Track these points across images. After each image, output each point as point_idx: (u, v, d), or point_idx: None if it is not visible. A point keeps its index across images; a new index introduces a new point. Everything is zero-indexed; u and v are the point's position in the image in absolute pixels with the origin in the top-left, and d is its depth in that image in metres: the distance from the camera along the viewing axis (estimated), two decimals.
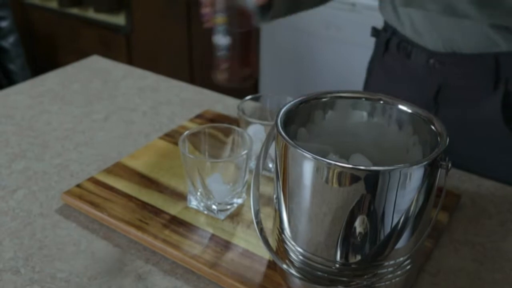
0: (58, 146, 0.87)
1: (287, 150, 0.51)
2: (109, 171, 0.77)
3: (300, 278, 0.56)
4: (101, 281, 0.61)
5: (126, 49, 2.39)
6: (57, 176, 0.80)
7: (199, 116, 0.95)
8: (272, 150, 0.58)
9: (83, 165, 0.82)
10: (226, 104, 1.02)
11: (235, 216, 0.69)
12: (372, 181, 0.48)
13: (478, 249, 0.68)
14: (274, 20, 0.84)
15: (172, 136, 0.87)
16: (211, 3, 0.76)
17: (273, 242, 0.60)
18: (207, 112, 0.96)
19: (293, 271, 0.56)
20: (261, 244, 0.57)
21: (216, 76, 0.79)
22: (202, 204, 0.69)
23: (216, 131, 0.72)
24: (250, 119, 0.75)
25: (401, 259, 0.54)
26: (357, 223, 0.51)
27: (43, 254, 0.65)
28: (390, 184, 0.48)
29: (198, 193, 0.69)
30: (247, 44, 0.78)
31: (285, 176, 0.53)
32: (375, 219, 0.50)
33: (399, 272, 0.55)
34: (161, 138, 0.87)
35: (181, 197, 0.73)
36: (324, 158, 0.48)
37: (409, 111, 0.58)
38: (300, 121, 0.59)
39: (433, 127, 0.55)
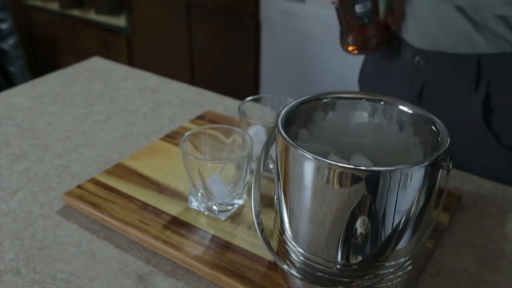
0: (58, 147, 0.87)
1: (288, 151, 0.51)
2: (109, 172, 0.77)
3: (301, 279, 0.56)
4: (102, 282, 0.61)
5: (127, 50, 2.39)
6: (57, 177, 0.80)
7: (199, 117, 0.95)
8: (273, 151, 0.58)
9: (83, 166, 0.82)
10: (226, 105, 1.02)
11: (236, 217, 0.69)
12: (373, 181, 0.48)
13: (479, 250, 0.67)
14: None
15: (172, 137, 0.87)
16: None
17: (274, 243, 0.60)
18: (208, 113, 0.96)
19: (294, 272, 0.56)
20: (262, 244, 0.57)
21: (357, 45, 0.83)
22: (203, 205, 0.69)
23: (217, 132, 0.72)
24: (250, 120, 0.75)
25: (402, 259, 0.54)
26: (358, 224, 0.50)
27: (43, 255, 0.65)
28: (391, 185, 0.48)
29: (199, 194, 0.69)
30: (378, 8, 0.84)
31: (286, 177, 0.53)
32: (376, 219, 0.50)
33: (400, 273, 0.55)
34: (161, 139, 0.87)
35: (182, 198, 0.73)
36: (325, 158, 0.48)
37: (410, 111, 0.58)
38: (301, 122, 0.59)
39: (434, 128, 0.55)
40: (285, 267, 0.57)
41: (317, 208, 0.51)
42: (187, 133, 0.69)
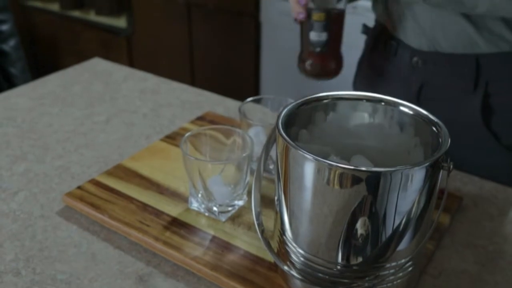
0: (59, 148, 0.87)
1: (288, 152, 0.51)
2: (110, 173, 0.77)
3: (301, 280, 0.56)
4: (102, 283, 0.61)
5: (127, 51, 2.39)
6: (58, 178, 0.79)
7: (200, 118, 0.95)
8: (273, 152, 0.58)
9: (84, 167, 0.82)
10: (226, 106, 1.02)
11: (236, 218, 0.69)
12: (374, 182, 0.48)
13: (480, 251, 0.67)
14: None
15: (173, 138, 0.87)
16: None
17: (274, 244, 0.60)
18: (208, 114, 0.96)
19: (294, 273, 0.56)
20: (262, 245, 0.57)
21: (306, 69, 0.81)
22: (203, 205, 0.69)
23: (217, 132, 0.72)
24: (251, 121, 0.75)
25: (403, 261, 0.54)
26: (358, 225, 0.50)
27: (43, 256, 0.65)
28: (391, 186, 0.48)
29: (199, 195, 0.69)
30: (338, 39, 0.81)
31: (286, 178, 0.53)
32: (376, 220, 0.50)
33: (400, 274, 0.55)
34: (162, 140, 0.87)
35: (182, 198, 0.72)
36: (325, 159, 0.48)
37: (411, 112, 0.58)
38: (301, 123, 0.59)
39: (434, 129, 0.54)
40: (286, 268, 0.57)
41: (317, 209, 0.51)
42: (187, 134, 0.69)
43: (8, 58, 1.75)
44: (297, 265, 0.56)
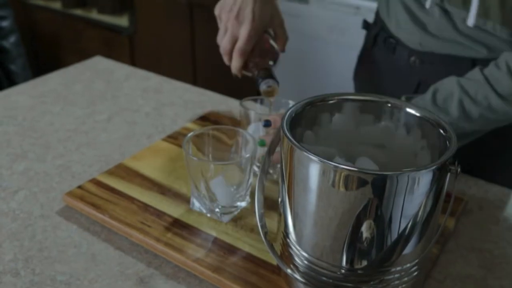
0: (60, 147, 0.86)
1: (293, 153, 0.51)
2: (111, 172, 0.77)
3: (304, 283, 0.55)
4: (102, 284, 0.60)
5: (129, 50, 2.38)
6: (58, 177, 0.79)
7: (202, 118, 0.94)
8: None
9: (85, 166, 0.81)
10: (229, 106, 1.01)
11: (238, 219, 0.69)
12: (380, 185, 0.47)
13: (485, 255, 0.67)
14: None
15: (175, 138, 0.87)
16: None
17: (277, 246, 0.59)
18: (210, 114, 0.95)
19: (297, 276, 0.55)
20: (265, 248, 0.56)
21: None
22: (205, 207, 0.68)
23: (220, 133, 0.71)
24: (251, 113, 0.75)
25: (408, 265, 0.53)
26: (363, 228, 0.50)
27: (43, 256, 0.64)
28: (398, 189, 0.47)
29: (202, 196, 0.68)
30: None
31: (290, 179, 0.52)
32: (382, 224, 0.49)
33: (405, 279, 0.54)
34: (163, 139, 0.86)
35: (184, 199, 0.72)
36: (331, 161, 0.47)
37: (417, 114, 0.57)
38: (306, 124, 0.58)
39: (441, 131, 0.54)
40: (289, 271, 0.56)
41: (322, 211, 0.51)
42: (190, 134, 0.68)
43: (8, 55, 1.74)
44: (301, 268, 0.55)
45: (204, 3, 2.09)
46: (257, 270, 0.60)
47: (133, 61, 2.38)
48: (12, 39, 1.74)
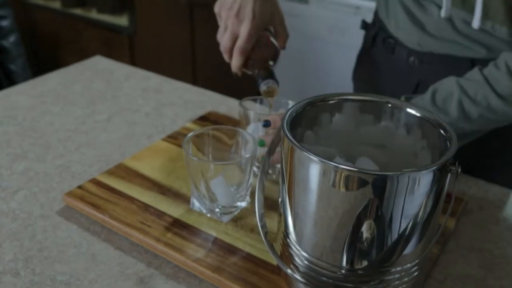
0: (60, 147, 0.86)
1: (294, 153, 0.50)
2: (111, 172, 0.77)
3: (305, 284, 0.55)
4: (102, 284, 0.60)
5: (129, 50, 2.38)
6: (58, 177, 0.79)
7: (202, 118, 0.94)
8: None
9: (85, 166, 0.81)
10: (229, 106, 1.01)
11: (238, 219, 0.68)
12: (380, 185, 0.47)
13: (485, 255, 0.67)
14: None
15: (175, 138, 0.86)
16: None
17: (277, 247, 0.59)
18: (210, 114, 0.95)
19: (297, 276, 0.55)
20: (265, 248, 0.56)
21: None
22: (205, 207, 0.68)
23: (220, 133, 0.71)
24: (250, 113, 0.75)
25: (409, 265, 0.53)
26: (364, 228, 0.49)
27: (43, 256, 0.64)
28: (398, 189, 0.47)
29: (201, 196, 0.68)
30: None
31: (290, 179, 0.52)
32: (382, 224, 0.49)
33: (406, 279, 0.54)
34: (163, 139, 0.86)
35: (184, 199, 0.72)
36: (331, 161, 0.47)
37: (418, 114, 0.57)
38: (307, 124, 0.58)
39: (442, 132, 0.54)
40: (289, 271, 0.56)
41: (322, 211, 0.50)
42: (190, 134, 0.68)
43: (8, 55, 1.74)
44: (301, 269, 0.55)
45: (204, 3, 2.08)
46: (257, 270, 0.60)
47: (133, 61, 2.38)
48: (12, 38, 1.74)
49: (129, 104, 1.01)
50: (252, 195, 0.69)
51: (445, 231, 0.68)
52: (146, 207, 0.70)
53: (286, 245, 0.56)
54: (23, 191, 0.75)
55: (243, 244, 0.64)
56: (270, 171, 0.77)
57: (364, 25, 1.01)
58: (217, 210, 0.68)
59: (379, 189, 0.47)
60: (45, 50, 2.73)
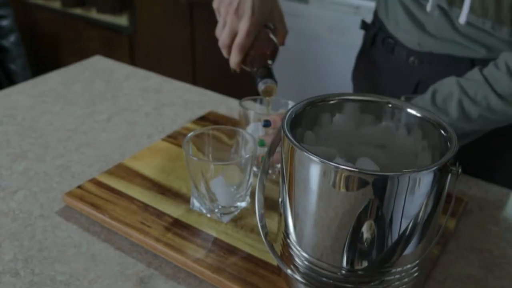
0: (59, 147, 0.86)
1: (294, 153, 0.50)
2: (111, 172, 0.76)
3: (305, 284, 0.55)
4: (102, 284, 0.60)
5: (129, 50, 2.38)
6: (58, 177, 0.79)
7: (202, 118, 0.94)
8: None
9: (84, 166, 0.81)
10: (229, 106, 1.01)
11: (238, 219, 0.68)
12: (381, 186, 0.47)
13: (486, 255, 0.66)
14: None
15: (175, 138, 0.86)
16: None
17: (277, 247, 0.59)
18: (210, 114, 0.95)
19: (298, 277, 0.55)
20: (265, 248, 0.56)
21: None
22: (205, 207, 0.68)
23: (220, 133, 0.71)
24: (250, 113, 0.75)
25: (409, 266, 0.53)
26: (364, 229, 0.49)
27: (43, 256, 0.64)
28: (398, 190, 0.47)
29: (201, 196, 0.68)
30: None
31: (291, 180, 0.52)
32: (382, 224, 0.49)
33: (406, 280, 0.54)
34: (163, 139, 0.86)
35: (184, 199, 0.71)
36: (331, 161, 0.47)
37: (418, 115, 0.57)
38: (307, 124, 0.58)
39: (442, 132, 0.53)
40: (289, 271, 0.56)
41: (322, 211, 0.50)
42: (190, 134, 0.68)
43: (8, 54, 1.74)
44: (301, 269, 0.55)
45: (204, 3, 2.08)
46: (257, 270, 0.60)
47: (133, 61, 2.38)
48: (12, 38, 1.74)
49: (129, 104, 1.01)
50: (252, 195, 0.69)
51: (446, 232, 0.68)
52: (146, 207, 0.70)
53: (286, 246, 0.56)
54: (23, 191, 0.75)
55: (243, 245, 0.64)
56: (270, 171, 0.77)
57: (364, 25, 1.01)
58: (217, 210, 0.68)
59: (380, 189, 0.47)
60: (45, 50, 2.73)
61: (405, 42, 0.87)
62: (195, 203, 0.69)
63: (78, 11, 2.49)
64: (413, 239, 0.51)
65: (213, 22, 0.82)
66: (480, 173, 0.82)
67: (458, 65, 0.81)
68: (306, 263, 0.54)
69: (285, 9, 0.82)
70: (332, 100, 0.59)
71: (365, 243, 0.50)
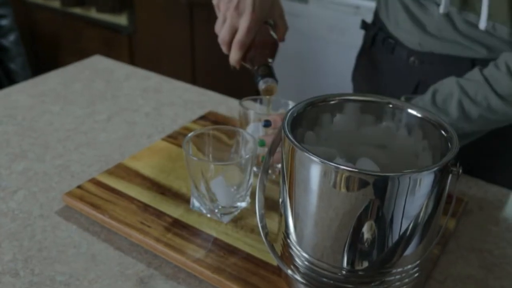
0: (59, 147, 0.86)
1: (294, 154, 0.50)
2: (110, 172, 0.76)
3: (305, 284, 0.55)
4: (102, 284, 0.60)
5: (129, 49, 2.38)
6: (58, 177, 0.78)
7: (202, 118, 0.94)
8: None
9: (84, 166, 0.81)
10: (229, 106, 1.01)
11: (238, 219, 0.68)
12: (381, 186, 0.47)
13: (486, 255, 0.66)
14: None
15: (174, 138, 0.86)
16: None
17: (278, 247, 0.59)
18: (210, 114, 0.95)
19: (298, 277, 0.55)
20: (266, 248, 0.56)
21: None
22: (205, 207, 0.68)
23: (220, 133, 0.71)
24: (250, 113, 0.75)
25: (409, 266, 0.53)
26: (364, 229, 0.49)
27: (42, 256, 0.64)
28: (399, 190, 0.47)
29: (201, 196, 0.67)
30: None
31: (291, 180, 0.52)
32: (383, 225, 0.49)
33: (406, 280, 0.54)
34: (163, 139, 0.86)
35: (184, 199, 0.71)
36: (332, 162, 0.47)
37: (419, 115, 0.57)
38: (307, 124, 0.58)
39: (443, 132, 0.53)
40: (289, 272, 0.56)
41: (323, 212, 0.50)
42: (190, 134, 0.68)
43: (8, 54, 1.74)
44: (301, 269, 0.55)
45: (204, 3, 2.08)
46: (257, 270, 0.60)
47: (133, 61, 2.38)
48: (12, 37, 1.74)
49: (129, 104, 1.01)
50: (252, 195, 0.69)
51: (446, 232, 0.68)
52: (146, 207, 0.70)
53: (286, 246, 0.56)
54: (22, 191, 0.75)
55: (243, 245, 0.64)
56: (269, 171, 0.77)
57: (364, 25, 1.01)
58: (217, 210, 0.67)
59: (380, 190, 0.47)
60: (44, 49, 2.73)
61: (405, 42, 0.87)
62: (195, 203, 0.69)
63: (77, 10, 2.49)
64: (413, 240, 0.51)
65: (213, 21, 0.82)
66: (480, 173, 0.82)
67: (459, 65, 0.81)
68: (306, 263, 0.54)
69: (285, 9, 0.82)
70: (333, 100, 0.59)
71: (366, 244, 0.50)
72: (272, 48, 0.76)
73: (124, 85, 1.09)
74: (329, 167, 0.47)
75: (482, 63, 0.77)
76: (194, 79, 2.30)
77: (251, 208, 0.70)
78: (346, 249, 0.51)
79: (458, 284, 0.62)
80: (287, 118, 0.54)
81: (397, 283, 0.53)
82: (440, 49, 0.83)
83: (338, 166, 0.47)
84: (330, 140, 0.60)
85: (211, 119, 0.93)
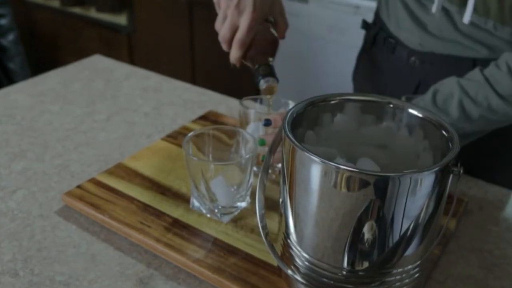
0: (59, 147, 0.86)
1: (295, 153, 0.50)
2: (110, 172, 0.76)
3: (305, 285, 0.55)
4: (101, 284, 0.60)
5: (128, 49, 2.38)
6: (57, 177, 0.78)
7: (202, 117, 0.93)
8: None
9: (84, 166, 0.81)
10: (229, 105, 1.01)
11: (238, 219, 0.68)
12: (382, 186, 0.47)
13: (486, 256, 0.66)
14: None
15: (174, 137, 0.86)
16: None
17: (278, 247, 0.59)
18: (210, 113, 0.95)
19: (298, 277, 0.55)
20: (266, 249, 0.56)
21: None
22: (205, 207, 0.68)
23: (220, 133, 0.71)
24: (250, 113, 0.74)
25: (410, 267, 0.53)
26: (365, 229, 0.49)
27: (42, 256, 0.63)
28: (400, 190, 0.47)
29: (201, 196, 0.67)
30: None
31: (292, 180, 0.52)
32: (383, 225, 0.49)
33: (407, 280, 0.53)
34: (163, 139, 0.86)
35: (184, 199, 0.71)
36: (332, 162, 0.47)
37: (420, 115, 0.57)
38: (308, 124, 0.58)
39: (444, 132, 0.53)
40: (290, 272, 0.55)
41: (323, 212, 0.50)
42: (190, 134, 0.68)
43: (7, 53, 1.74)
44: (301, 270, 0.55)
45: (204, 2, 2.08)
46: (257, 271, 0.60)
47: (132, 60, 2.38)
48: (11, 37, 1.73)
49: (129, 103, 1.01)
50: (252, 195, 0.69)
51: (446, 232, 0.68)
52: (145, 207, 0.70)
53: (286, 246, 0.56)
54: (22, 190, 0.75)
55: (243, 245, 0.64)
56: (269, 171, 0.77)
57: (365, 24, 1.01)
58: (217, 210, 0.67)
59: (381, 190, 0.47)
60: (44, 49, 2.73)
61: (406, 42, 0.87)
62: (195, 203, 0.69)
63: (77, 10, 2.49)
64: (414, 240, 0.51)
65: (213, 20, 0.81)
66: (480, 173, 0.82)
67: (460, 65, 0.81)
68: (306, 263, 0.54)
69: (285, 8, 0.82)
70: (333, 100, 0.59)
71: (366, 244, 0.50)
72: (272, 46, 0.76)
73: (123, 85, 1.08)
74: (329, 167, 0.47)
75: (483, 63, 0.77)
76: (194, 79, 2.30)
77: (251, 208, 0.70)
78: (346, 249, 0.51)
79: (459, 284, 0.62)
80: (287, 118, 0.53)
81: (398, 284, 0.53)
82: (441, 49, 0.83)
83: (339, 166, 0.47)
84: (331, 140, 0.60)
85: (211, 119, 0.93)
